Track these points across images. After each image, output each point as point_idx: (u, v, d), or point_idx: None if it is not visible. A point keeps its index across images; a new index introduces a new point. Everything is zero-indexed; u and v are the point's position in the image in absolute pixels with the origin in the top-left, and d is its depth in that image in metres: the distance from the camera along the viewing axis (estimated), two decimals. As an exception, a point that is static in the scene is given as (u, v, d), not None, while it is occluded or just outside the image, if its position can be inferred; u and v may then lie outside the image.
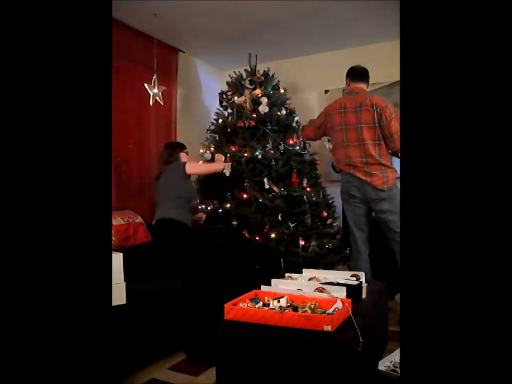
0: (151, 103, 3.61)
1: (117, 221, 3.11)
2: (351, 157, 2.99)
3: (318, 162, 4.09)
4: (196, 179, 4.13)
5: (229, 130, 3.99)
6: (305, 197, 3.69)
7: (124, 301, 2.18)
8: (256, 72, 4.09)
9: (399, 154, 2.96)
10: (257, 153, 3.72)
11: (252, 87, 3.99)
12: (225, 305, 1.88)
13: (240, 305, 1.90)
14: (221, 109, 4.18)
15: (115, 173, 3.55)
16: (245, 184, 3.74)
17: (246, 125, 3.84)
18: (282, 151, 3.79)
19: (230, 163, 3.71)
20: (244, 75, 4.10)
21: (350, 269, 3.28)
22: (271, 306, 1.90)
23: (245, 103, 3.89)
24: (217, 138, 4.10)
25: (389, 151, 3.02)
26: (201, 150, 4.13)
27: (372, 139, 2.94)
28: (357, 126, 2.96)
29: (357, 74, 3.16)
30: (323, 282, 2.25)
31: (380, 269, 3.36)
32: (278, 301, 1.90)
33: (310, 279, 2.37)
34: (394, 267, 3.22)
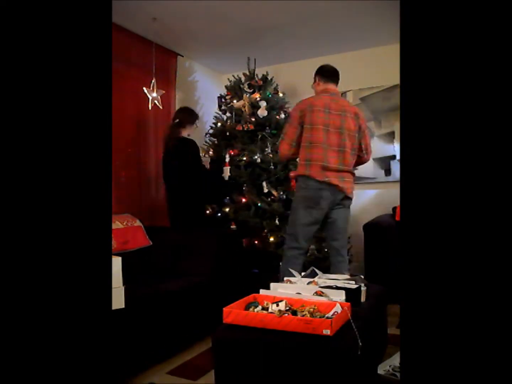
0: (150, 107, 3.62)
1: (115, 225, 3.10)
2: (329, 162, 2.72)
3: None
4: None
5: (228, 134, 3.99)
6: (304, 201, 3.69)
7: (122, 305, 2.18)
8: (255, 76, 4.10)
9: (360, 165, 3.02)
10: (256, 157, 3.73)
11: (251, 91, 4.00)
12: (224, 308, 1.88)
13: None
14: (220, 113, 4.19)
15: (114, 176, 3.55)
16: (244, 188, 3.75)
17: (245, 129, 3.85)
18: (281, 155, 3.79)
19: (229, 167, 3.71)
20: (243, 79, 4.11)
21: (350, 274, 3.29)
22: (270, 310, 1.89)
23: (244, 107, 3.90)
24: (216, 142, 4.10)
25: (357, 162, 2.96)
26: (200, 154, 4.14)
27: (351, 147, 2.81)
28: (340, 130, 2.76)
29: (329, 73, 2.94)
30: (322, 286, 2.24)
31: (376, 274, 3.38)
32: (277, 305, 1.90)
33: (309, 283, 2.36)
34: (389, 272, 3.24)
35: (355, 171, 2.99)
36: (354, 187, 2.91)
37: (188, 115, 3.65)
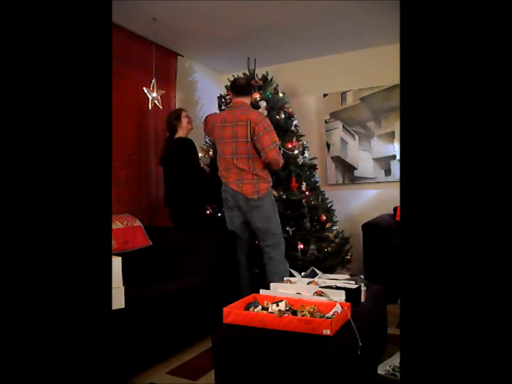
0: (150, 107, 3.62)
1: (116, 225, 3.10)
2: (227, 169, 3.17)
3: (318, 166, 4.09)
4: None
5: (228, 134, 3.98)
6: (304, 201, 3.69)
7: (123, 305, 2.18)
8: (255, 76, 4.10)
9: (274, 166, 3.15)
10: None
11: (251, 91, 3.99)
12: (224, 308, 1.88)
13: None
14: (220, 113, 4.18)
15: (114, 176, 3.54)
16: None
17: (245, 129, 3.83)
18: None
19: None
20: (243, 79, 4.11)
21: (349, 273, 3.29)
22: (270, 310, 1.89)
23: (244, 107, 3.89)
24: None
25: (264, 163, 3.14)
26: (200, 154, 4.14)
27: (245, 153, 3.09)
28: (232, 140, 3.10)
29: (238, 88, 3.25)
30: (322, 286, 2.24)
31: (375, 274, 3.38)
32: (277, 305, 1.90)
33: (309, 283, 2.37)
34: (389, 272, 3.24)
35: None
36: (264, 187, 3.13)
37: (170, 118, 3.69)
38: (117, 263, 2.17)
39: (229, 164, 3.15)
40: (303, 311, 1.84)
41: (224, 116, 3.23)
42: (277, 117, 3.91)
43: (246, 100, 3.27)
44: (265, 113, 3.82)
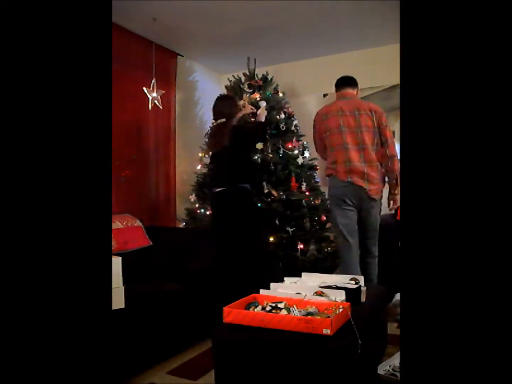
0: (150, 107, 3.62)
1: (116, 225, 3.10)
2: (351, 161, 2.87)
3: (318, 167, 4.09)
4: (195, 183, 4.13)
5: (227, 134, 3.98)
6: (304, 201, 3.69)
7: (122, 305, 2.18)
8: (255, 76, 4.10)
9: (390, 162, 2.93)
10: (256, 157, 3.72)
11: (251, 91, 3.99)
12: (224, 308, 1.88)
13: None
14: (220, 113, 4.17)
15: (114, 176, 3.55)
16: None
17: (245, 129, 3.83)
18: (281, 155, 3.79)
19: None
20: (243, 79, 4.11)
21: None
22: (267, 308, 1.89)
23: (244, 107, 3.89)
24: (216, 142, 4.09)
25: (383, 158, 2.98)
26: (200, 154, 4.14)
27: (371, 144, 2.92)
28: (356, 129, 2.91)
29: (346, 80, 3.13)
30: (322, 286, 2.24)
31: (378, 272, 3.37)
32: (277, 305, 1.90)
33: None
34: (389, 272, 3.23)
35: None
36: (382, 186, 3.00)
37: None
38: (117, 263, 2.17)
39: (355, 155, 2.88)
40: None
41: (339, 105, 2.99)
42: (277, 117, 3.91)
43: (354, 92, 3.12)
44: (265, 113, 3.82)
